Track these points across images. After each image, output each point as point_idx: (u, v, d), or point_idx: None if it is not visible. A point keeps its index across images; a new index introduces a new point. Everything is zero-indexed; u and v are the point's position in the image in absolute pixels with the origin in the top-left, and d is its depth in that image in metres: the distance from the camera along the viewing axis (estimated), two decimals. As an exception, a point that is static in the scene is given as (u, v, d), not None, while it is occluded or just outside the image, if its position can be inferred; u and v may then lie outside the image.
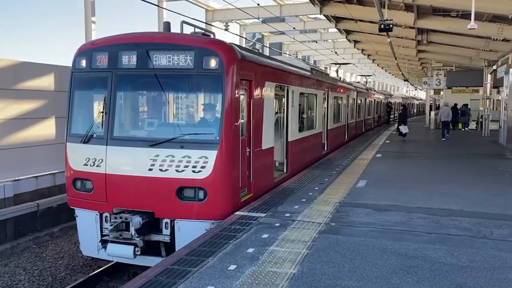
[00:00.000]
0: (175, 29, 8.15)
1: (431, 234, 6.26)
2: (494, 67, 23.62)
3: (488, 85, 25.71)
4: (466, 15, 15.52)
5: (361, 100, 24.66)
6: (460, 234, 6.29)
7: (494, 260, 5.28)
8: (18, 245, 9.90)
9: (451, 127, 23.78)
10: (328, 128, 15.64)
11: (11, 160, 11.61)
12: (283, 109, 10.58)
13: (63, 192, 10.92)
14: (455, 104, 28.63)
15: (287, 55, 29.89)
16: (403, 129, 21.36)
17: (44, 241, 10.40)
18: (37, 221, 10.65)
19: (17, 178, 11.03)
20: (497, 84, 22.77)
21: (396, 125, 24.99)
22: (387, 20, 14.03)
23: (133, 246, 6.89)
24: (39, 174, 11.64)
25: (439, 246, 5.73)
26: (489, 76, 25.34)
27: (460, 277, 4.76)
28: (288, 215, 7.15)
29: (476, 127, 28.66)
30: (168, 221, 7.13)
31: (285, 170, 10.59)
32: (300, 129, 11.86)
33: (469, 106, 30.52)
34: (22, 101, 12.10)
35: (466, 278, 4.73)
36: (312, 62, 33.59)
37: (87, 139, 7.48)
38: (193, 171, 6.94)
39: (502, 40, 18.45)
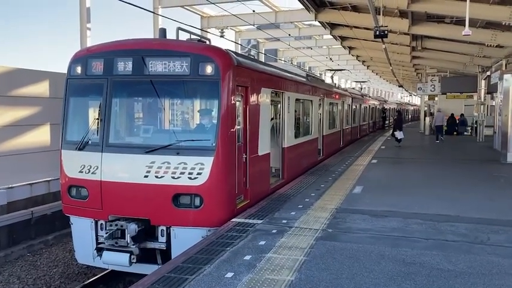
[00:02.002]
0: (170, 35, 8.15)
1: (429, 240, 6.24)
2: (488, 73, 23.79)
3: (483, 91, 25.88)
4: (460, 22, 15.67)
5: (356, 106, 24.74)
6: (457, 240, 6.28)
7: (491, 265, 5.27)
8: (12, 253, 9.80)
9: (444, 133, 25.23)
10: (324, 133, 15.66)
11: (5, 167, 11.51)
12: (279, 115, 10.58)
13: (57, 200, 10.83)
14: (452, 114, 29.01)
15: (282, 61, 29.97)
16: (398, 134, 21.44)
17: (39, 249, 10.30)
18: (31, 229, 10.55)
19: (10, 185, 10.94)
20: (491, 90, 22.96)
21: (391, 130, 25.13)
22: (382, 26, 14.12)
23: (128, 254, 6.82)
24: (34, 181, 11.55)
25: (436, 252, 5.72)
26: (483, 82, 25.51)
27: (458, 283, 4.74)
28: (284, 221, 7.12)
29: (471, 133, 28.82)
30: (164, 228, 7.08)
31: (281, 176, 10.56)
32: (296, 135, 11.85)
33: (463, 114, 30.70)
34: (17, 108, 12.03)
35: (464, 284, 4.71)
36: (307, 69, 33.70)
37: (82, 146, 7.43)
38: (190, 178, 6.90)
39: (496, 46, 18.61)
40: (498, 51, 19.62)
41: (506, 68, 19.33)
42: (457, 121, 29.23)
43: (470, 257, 5.54)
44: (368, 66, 39.55)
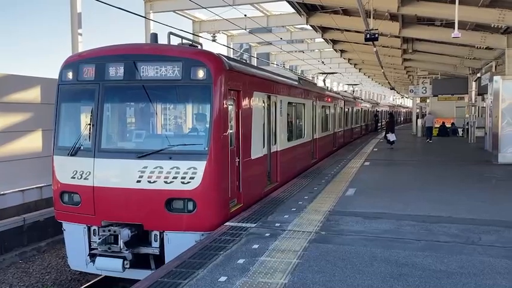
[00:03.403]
0: (162, 40, 8.16)
1: (421, 242, 6.28)
2: (479, 75, 24.01)
3: (473, 92, 26.12)
4: (449, 24, 15.82)
5: (348, 109, 24.84)
6: (449, 240, 6.33)
7: (483, 266, 5.31)
8: (4, 260, 9.71)
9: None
10: (317, 136, 15.71)
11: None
12: (272, 119, 10.58)
13: (50, 206, 10.77)
14: (443, 122, 29.59)
15: (275, 65, 30.04)
16: (391, 137, 21.57)
17: (31, 256, 10.22)
18: (23, 236, 10.47)
19: (2, 192, 10.86)
20: (482, 92, 23.13)
21: (384, 133, 25.33)
22: (373, 29, 14.20)
23: (122, 260, 6.79)
24: (26, 188, 11.47)
25: (428, 253, 5.75)
26: (474, 84, 25.75)
27: (450, 284, 4.78)
28: (278, 224, 7.13)
29: (462, 134, 29.08)
30: (157, 233, 7.07)
31: (274, 180, 10.56)
32: (289, 139, 11.88)
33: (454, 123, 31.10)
34: (8, 114, 11.95)
35: (456, 285, 4.75)
36: (299, 72, 33.80)
37: (74, 152, 7.41)
38: (182, 183, 6.89)
39: (486, 48, 18.78)
40: (488, 53, 19.82)
41: (496, 70, 19.54)
42: (448, 129, 29.82)
43: (462, 258, 5.58)
44: (360, 69, 39.75)
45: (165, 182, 6.92)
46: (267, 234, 6.58)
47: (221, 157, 7.18)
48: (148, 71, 7.18)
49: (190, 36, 17.43)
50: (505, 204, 8.71)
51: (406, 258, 5.56)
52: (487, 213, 8.01)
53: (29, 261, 9.98)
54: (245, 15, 19.71)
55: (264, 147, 9.50)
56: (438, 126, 29.44)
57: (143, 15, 18.75)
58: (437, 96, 31.04)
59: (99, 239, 6.96)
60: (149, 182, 6.96)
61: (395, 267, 5.24)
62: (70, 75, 7.61)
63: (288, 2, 17.29)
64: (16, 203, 11.07)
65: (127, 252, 6.83)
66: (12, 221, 10.35)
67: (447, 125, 30.22)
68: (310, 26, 20.76)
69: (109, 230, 6.89)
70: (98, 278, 8.33)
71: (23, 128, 12.38)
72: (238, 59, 10.54)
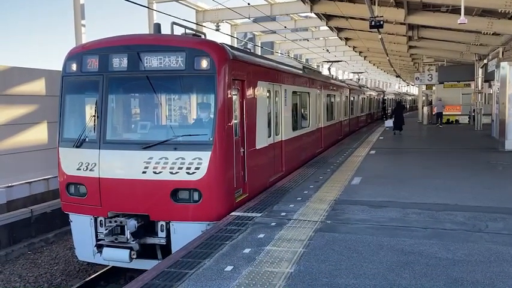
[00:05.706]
0: (165, 30, 8.12)
1: (427, 230, 6.26)
2: (485, 61, 23.75)
3: (480, 79, 25.86)
4: (455, 10, 15.63)
5: (354, 97, 24.72)
6: (455, 228, 6.31)
7: (489, 253, 5.29)
8: (12, 251, 9.82)
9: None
10: (322, 126, 15.65)
11: (3, 166, 11.50)
12: (276, 108, 10.54)
13: (56, 198, 10.84)
14: (448, 119, 29.91)
15: (279, 54, 29.88)
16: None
17: (39, 247, 10.32)
18: (31, 227, 10.57)
19: (9, 184, 10.94)
20: (489, 78, 22.91)
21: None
22: (378, 16, 14.07)
23: (129, 250, 6.83)
24: (32, 180, 11.55)
25: (435, 241, 5.74)
26: (480, 70, 25.49)
27: (457, 271, 4.77)
28: (283, 214, 7.14)
29: (468, 121, 28.89)
30: (164, 223, 7.10)
31: (280, 169, 10.55)
32: (294, 128, 11.85)
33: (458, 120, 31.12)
34: (13, 106, 12.00)
35: (463, 272, 4.74)
36: (304, 61, 33.62)
37: (79, 143, 7.43)
38: (188, 173, 6.90)
39: (492, 34, 18.55)
40: (494, 39, 19.58)
41: (502, 56, 19.31)
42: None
43: (469, 245, 5.57)
44: (365, 57, 39.46)
45: (171, 173, 6.93)
46: (273, 224, 6.59)
47: (226, 147, 7.17)
48: (152, 62, 7.16)
49: (194, 26, 17.35)
50: (512, 192, 8.67)
51: (412, 246, 5.55)
52: (494, 200, 7.97)
53: (38, 252, 10.09)
54: (248, 4, 19.57)
55: (268, 136, 9.48)
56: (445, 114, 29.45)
57: (146, 5, 18.66)
58: (443, 83, 30.80)
59: (105, 230, 7.00)
60: (155, 172, 6.97)
61: (401, 256, 5.24)
62: (74, 66, 7.61)
63: (292, -11, 17.13)
64: (23, 194, 11.16)
65: (134, 242, 6.87)
66: (20, 212, 10.45)
67: (451, 113, 30.30)
68: (315, 14, 20.60)
69: (115, 221, 6.93)
70: (106, 269, 8.41)
71: (29, 120, 12.44)
72: (242, 48, 10.46)
